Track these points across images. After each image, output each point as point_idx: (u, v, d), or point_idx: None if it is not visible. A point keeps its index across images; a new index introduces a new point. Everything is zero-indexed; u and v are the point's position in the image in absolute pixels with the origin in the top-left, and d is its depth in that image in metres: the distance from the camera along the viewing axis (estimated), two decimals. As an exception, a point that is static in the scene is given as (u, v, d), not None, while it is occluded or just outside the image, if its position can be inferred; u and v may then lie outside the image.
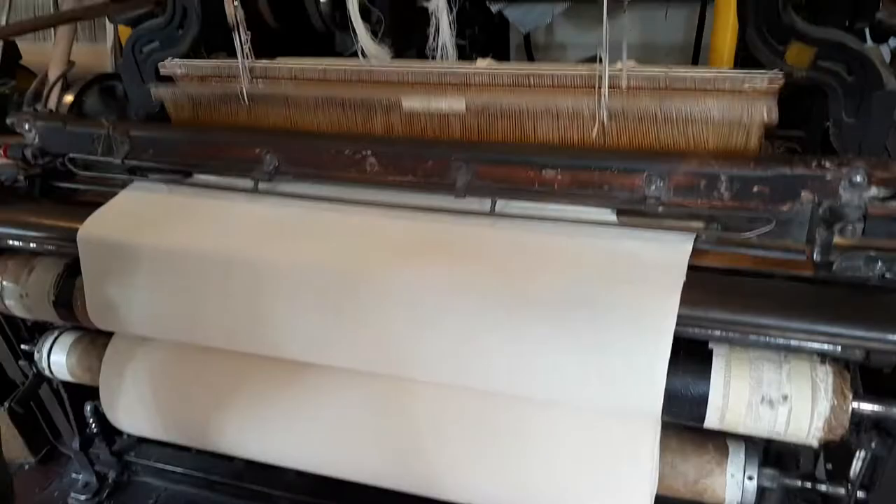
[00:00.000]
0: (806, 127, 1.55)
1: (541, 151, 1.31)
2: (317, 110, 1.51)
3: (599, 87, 1.28)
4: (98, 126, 1.54)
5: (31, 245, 1.52)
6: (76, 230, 1.41)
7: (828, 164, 1.11)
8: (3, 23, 2.25)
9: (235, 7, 1.45)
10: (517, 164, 1.29)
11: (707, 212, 1.19)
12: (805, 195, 1.13)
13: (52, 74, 1.94)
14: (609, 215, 1.25)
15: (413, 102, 1.42)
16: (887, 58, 1.55)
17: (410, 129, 1.46)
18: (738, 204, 1.17)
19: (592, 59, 1.32)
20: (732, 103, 1.24)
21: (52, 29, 2.18)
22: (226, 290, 1.32)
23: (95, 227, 1.41)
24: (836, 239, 1.10)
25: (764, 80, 1.23)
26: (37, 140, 1.58)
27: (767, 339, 1.11)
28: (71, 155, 1.58)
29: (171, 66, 1.62)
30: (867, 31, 1.79)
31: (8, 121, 1.62)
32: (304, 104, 1.51)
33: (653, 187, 1.20)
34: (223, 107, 1.58)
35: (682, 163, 1.20)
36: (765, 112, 1.22)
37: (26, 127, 1.57)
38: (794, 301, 1.11)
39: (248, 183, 1.43)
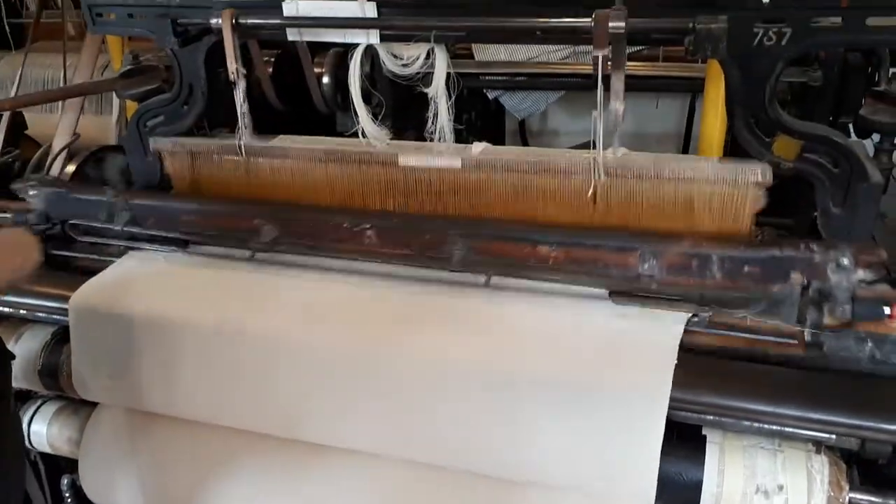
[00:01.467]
0: (795, 216, 1.58)
1: (536, 229, 1.34)
2: (316, 166, 1.55)
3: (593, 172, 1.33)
4: (101, 193, 1.58)
5: (22, 311, 1.51)
6: (68, 298, 1.41)
7: (815, 247, 1.16)
8: (13, 94, 2.31)
9: (239, 85, 1.51)
10: (513, 240, 1.32)
11: (699, 291, 1.21)
12: (794, 276, 1.16)
13: (57, 145, 1.99)
14: (602, 296, 1.27)
15: (410, 159, 1.46)
16: (870, 152, 1.60)
17: (406, 188, 1.49)
18: (730, 284, 1.20)
19: (585, 146, 1.36)
20: (722, 190, 1.28)
21: (60, 101, 2.24)
22: (216, 362, 1.31)
23: (88, 296, 1.41)
24: (827, 320, 1.12)
25: (755, 173, 1.28)
26: (40, 206, 1.60)
27: (761, 425, 1.10)
28: (73, 221, 1.59)
29: (173, 144, 1.66)
30: (851, 126, 1.86)
31: (13, 186, 1.64)
32: (305, 159, 1.56)
33: (646, 266, 1.23)
34: (223, 167, 1.63)
35: (676, 243, 1.23)
36: (754, 199, 1.26)
37: (31, 192, 1.61)
38: (788, 387, 1.11)
39: (245, 254, 1.44)
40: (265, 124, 1.65)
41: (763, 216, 1.34)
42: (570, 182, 1.37)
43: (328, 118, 2.68)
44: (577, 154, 1.38)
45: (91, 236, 1.60)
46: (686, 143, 2.73)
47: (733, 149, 1.52)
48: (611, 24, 1.20)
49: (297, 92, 2.51)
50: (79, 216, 1.59)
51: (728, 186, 1.29)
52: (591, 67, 1.25)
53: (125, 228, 1.53)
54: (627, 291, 1.24)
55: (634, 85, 1.74)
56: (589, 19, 1.22)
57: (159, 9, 1.54)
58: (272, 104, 2.40)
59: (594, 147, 1.33)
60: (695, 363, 1.14)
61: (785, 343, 1.16)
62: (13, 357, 1.25)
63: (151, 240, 1.53)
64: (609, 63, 1.23)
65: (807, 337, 1.14)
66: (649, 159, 1.33)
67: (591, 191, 1.35)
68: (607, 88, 1.26)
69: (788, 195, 1.44)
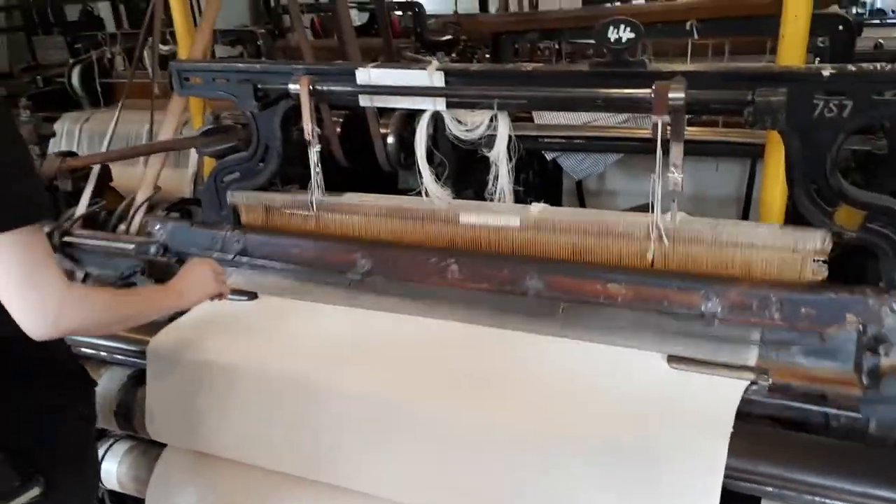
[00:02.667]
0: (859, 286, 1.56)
1: (608, 268, 1.41)
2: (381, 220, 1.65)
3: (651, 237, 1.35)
4: (217, 227, 1.75)
5: (102, 353, 1.60)
6: (146, 342, 1.49)
7: (869, 291, 1.20)
8: (104, 148, 2.48)
9: (315, 152, 1.62)
10: (585, 277, 1.39)
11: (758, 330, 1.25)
12: (850, 318, 1.20)
13: (140, 197, 2.11)
14: (660, 360, 1.27)
15: (470, 217, 1.54)
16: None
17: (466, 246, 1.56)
18: (788, 324, 1.24)
19: (643, 208, 1.39)
20: (783, 257, 1.30)
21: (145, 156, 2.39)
22: (284, 411, 1.36)
23: (164, 341, 1.49)
24: (883, 363, 1.14)
25: (815, 241, 1.29)
26: (162, 238, 1.78)
27: (825, 500, 1.08)
28: (189, 252, 1.74)
29: (248, 197, 1.78)
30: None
31: (142, 221, 1.89)
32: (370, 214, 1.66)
33: (709, 304, 1.29)
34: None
35: (737, 284, 1.29)
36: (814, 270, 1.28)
37: (157, 227, 1.80)
38: (855, 461, 1.09)
39: (317, 305, 1.54)
40: (331, 181, 1.73)
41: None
42: (629, 247, 1.39)
43: (391, 175, 2.79)
44: (635, 217, 1.41)
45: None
46: (746, 208, 2.71)
47: (796, 217, 1.52)
48: (670, 96, 1.24)
49: (362, 150, 2.63)
50: (197, 247, 1.74)
51: (788, 254, 1.29)
52: (650, 132, 1.29)
53: (236, 258, 1.69)
54: (686, 357, 1.25)
55: (694, 149, 1.76)
56: (649, 90, 1.26)
57: (242, 74, 1.67)
58: (339, 162, 2.51)
59: (652, 211, 1.35)
60: (755, 431, 1.13)
61: (844, 395, 1.16)
62: (95, 384, 1.34)
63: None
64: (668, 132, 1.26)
65: (864, 380, 1.16)
66: (707, 226, 1.34)
67: (649, 256, 1.37)
68: (666, 153, 1.29)
69: (853, 263, 1.43)
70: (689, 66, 1.37)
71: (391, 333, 1.45)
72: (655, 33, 2.35)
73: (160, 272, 1.74)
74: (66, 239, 1.89)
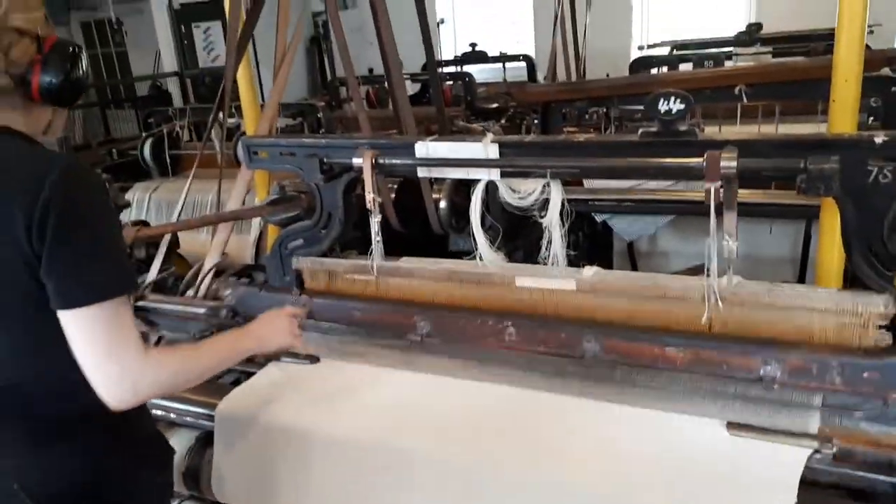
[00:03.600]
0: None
1: (666, 331, 1.42)
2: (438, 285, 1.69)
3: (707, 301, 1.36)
4: (286, 292, 1.83)
5: (171, 416, 1.66)
6: (214, 405, 1.55)
7: None
8: (176, 215, 2.62)
9: (376, 222, 1.69)
10: (643, 341, 1.41)
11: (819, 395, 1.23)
12: None
13: (208, 263, 2.22)
14: (719, 427, 1.26)
15: (525, 281, 1.58)
16: None
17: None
18: (850, 389, 1.24)
19: (696, 270, 1.40)
20: (843, 323, 1.28)
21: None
22: (351, 475, 1.39)
23: (233, 405, 1.54)
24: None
25: (878, 306, 1.27)
26: (232, 302, 1.86)
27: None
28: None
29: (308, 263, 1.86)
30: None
31: (210, 287, 1.98)
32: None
33: (768, 368, 1.29)
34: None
35: (797, 349, 1.29)
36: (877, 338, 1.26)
37: (227, 291, 1.89)
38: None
39: (378, 371, 1.58)
40: (384, 244, 1.79)
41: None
42: (684, 312, 1.40)
43: (441, 238, 2.86)
44: (689, 282, 1.42)
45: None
46: (803, 269, 2.67)
47: (853, 279, 1.51)
48: (722, 165, 1.26)
49: (415, 215, 2.71)
50: (264, 311, 1.77)
51: (848, 321, 1.28)
52: (702, 195, 1.31)
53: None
54: (746, 424, 1.24)
55: (747, 211, 1.76)
56: (701, 159, 1.29)
57: (308, 149, 1.76)
58: (393, 227, 2.59)
59: (707, 274, 1.35)
60: (820, 501, 1.11)
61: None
62: (174, 452, 1.38)
63: (288, 354, 1.68)
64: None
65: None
66: (764, 294, 1.34)
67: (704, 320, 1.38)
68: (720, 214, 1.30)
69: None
70: (739, 134, 1.41)
71: (454, 398, 1.47)
72: (704, 99, 2.39)
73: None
74: (141, 303, 2.00)
